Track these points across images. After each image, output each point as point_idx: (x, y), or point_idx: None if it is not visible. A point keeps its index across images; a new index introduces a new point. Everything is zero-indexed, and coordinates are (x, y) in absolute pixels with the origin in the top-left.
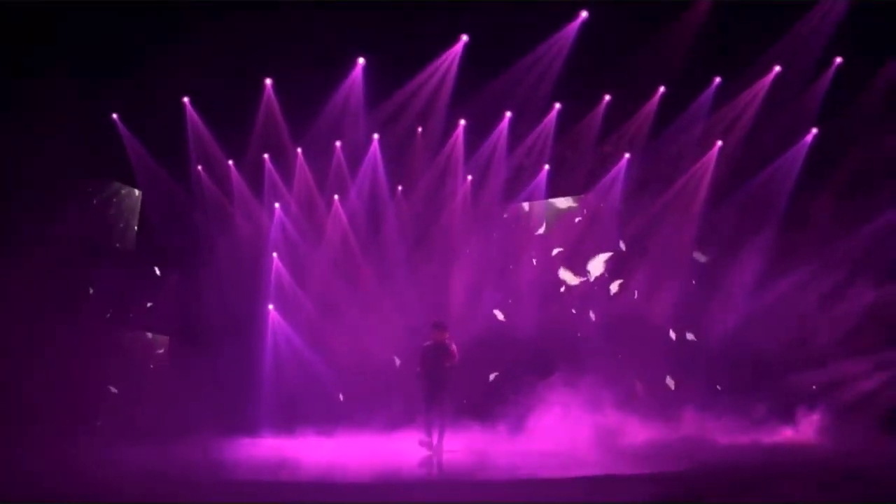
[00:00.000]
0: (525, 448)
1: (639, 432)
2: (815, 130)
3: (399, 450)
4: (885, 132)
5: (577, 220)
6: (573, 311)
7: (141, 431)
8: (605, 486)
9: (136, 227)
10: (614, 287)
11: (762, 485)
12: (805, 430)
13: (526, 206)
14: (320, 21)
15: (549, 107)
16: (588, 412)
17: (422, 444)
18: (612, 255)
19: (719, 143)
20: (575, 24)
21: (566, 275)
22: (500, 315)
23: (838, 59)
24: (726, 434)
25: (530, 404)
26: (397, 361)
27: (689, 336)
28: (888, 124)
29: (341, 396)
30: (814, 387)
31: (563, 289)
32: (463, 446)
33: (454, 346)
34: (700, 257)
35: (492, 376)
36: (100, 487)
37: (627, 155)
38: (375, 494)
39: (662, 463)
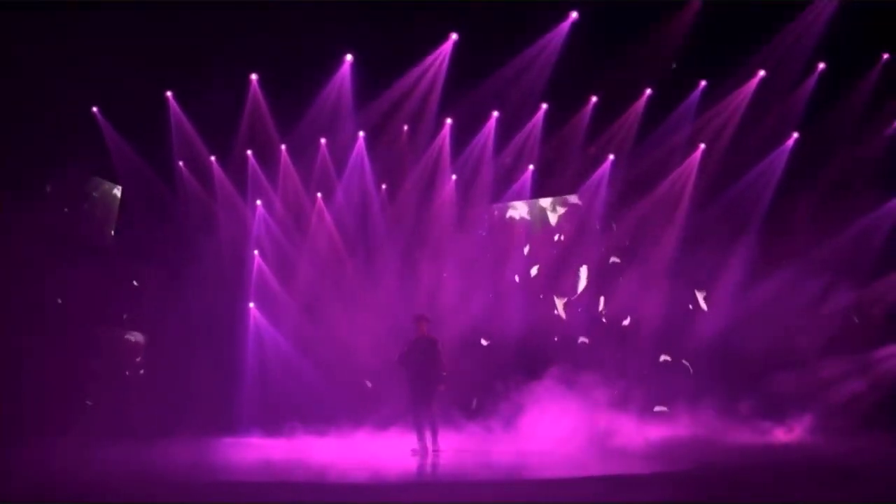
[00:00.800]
0: (515, 448)
1: (630, 433)
2: (795, 135)
3: (389, 449)
4: (867, 136)
5: (555, 237)
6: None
7: (124, 432)
8: (603, 486)
9: (115, 223)
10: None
11: (761, 484)
12: (793, 429)
13: (515, 215)
14: (309, 17)
15: (539, 107)
16: (579, 412)
17: (415, 453)
18: (598, 260)
19: (702, 146)
20: (565, 25)
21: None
22: (484, 342)
23: (821, 65)
24: (719, 435)
25: (519, 405)
26: (368, 384)
27: (675, 337)
28: (870, 128)
29: (322, 401)
30: (800, 387)
31: (555, 312)
32: (450, 446)
33: (441, 347)
34: (701, 300)
35: (480, 376)
36: (89, 489)
37: (612, 156)
38: (369, 495)
39: (657, 463)
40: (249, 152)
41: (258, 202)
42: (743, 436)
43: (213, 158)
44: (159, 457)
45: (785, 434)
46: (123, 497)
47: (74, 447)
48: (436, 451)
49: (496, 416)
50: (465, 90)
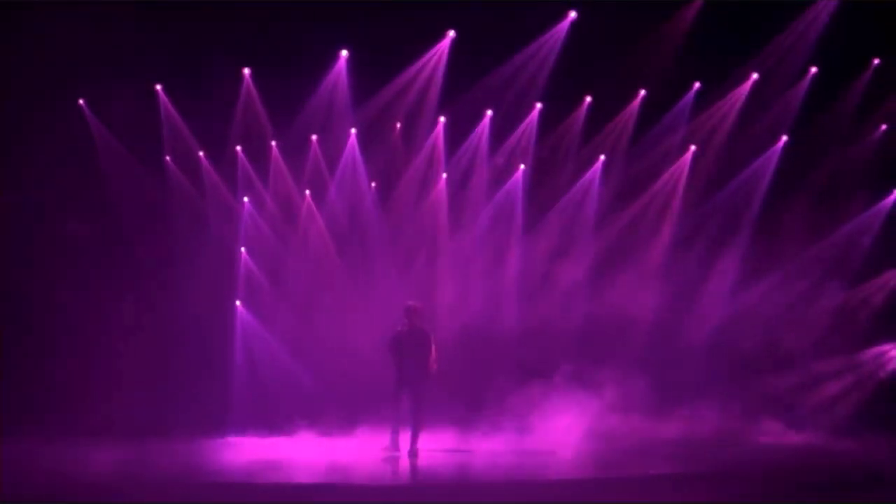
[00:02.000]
0: (501, 449)
1: (626, 434)
2: (784, 138)
3: (375, 452)
4: (858, 139)
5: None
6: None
7: (116, 431)
8: (604, 487)
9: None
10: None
11: (762, 484)
12: (786, 430)
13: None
14: (304, 14)
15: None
16: (574, 413)
17: (386, 450)
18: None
19: (693, 147)
20: (564, 25)
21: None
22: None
23: (813, 69)
24: (717, 435)
25: (514, 405)
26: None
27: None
28: (860, 131)
29: (315, 401)
30: (791, 387)
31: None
32: (444, 447)
33: (434, 341)
34: None
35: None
36: (85, 489)
37: (602, 157)
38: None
39: (656, 464)
40: (238, 148)
41: (245, 199)
42: (740, 436)
43: (201, 154)
44: (151, 457)
45: (778, 434)
46: (121, 497)
47: (68, 447)
48: (412, 452)
49: (493, 415)
50: (463, 88)
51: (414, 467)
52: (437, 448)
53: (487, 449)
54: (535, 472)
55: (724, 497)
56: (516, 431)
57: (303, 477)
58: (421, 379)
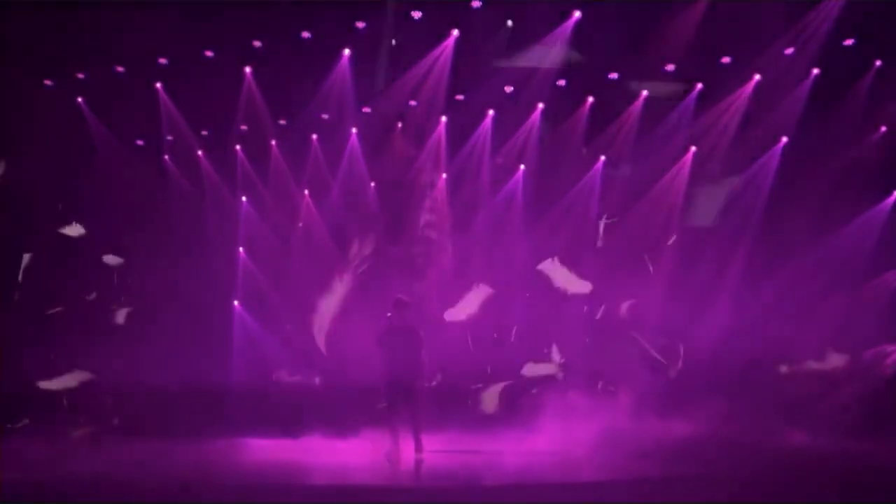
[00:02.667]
0: (507, 449)
1: (632, 435)
2: (785, 139)
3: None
4: (860, 140)
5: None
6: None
7: (117, 431)
8: (607, 489)
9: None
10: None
11: (766, 486)
12: (789, 431)
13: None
14: (306, 13)
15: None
16: (574, 414)
17: (389, 459)
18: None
19: (694, 148)
20: (568, 25)
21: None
22: None
23: (815, 70)
24: (720, 436)
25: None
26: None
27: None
28: (863, 132)
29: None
30: (791, 388)
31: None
32: (449, 448)
33: (424, 337)
34: None
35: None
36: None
37: (603, 157)
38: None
39: (661, 466)
40: (238, 148)
41: (244, 198)
42: (742, 437)
43: (201, 154)
44: (152, 457)
45: (780, 434)
46: (122, 497)
47: (68, 447)
48: (418, 451)
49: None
50: (465, 88)
51: (419, 468)
52: (441, 449)
53: (494, 450)
54: (543, 473)
55: (725, 497)
56: (523, 432)
57: (303, 478)
58: (413, 377)
